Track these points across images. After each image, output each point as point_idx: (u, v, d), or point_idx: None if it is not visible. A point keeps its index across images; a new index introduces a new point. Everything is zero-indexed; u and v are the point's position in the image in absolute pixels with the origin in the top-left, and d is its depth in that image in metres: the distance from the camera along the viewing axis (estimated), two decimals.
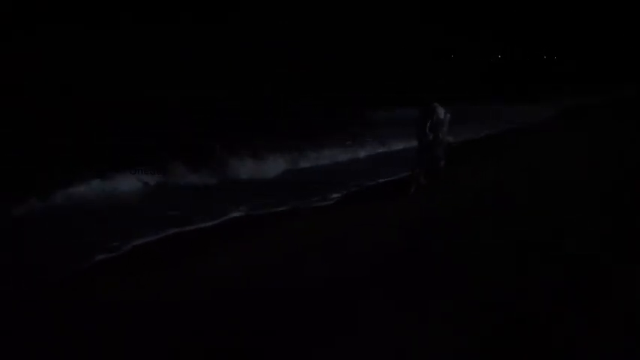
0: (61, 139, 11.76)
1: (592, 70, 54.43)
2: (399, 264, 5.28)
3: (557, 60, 78.34)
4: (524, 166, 10.03)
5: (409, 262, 5.31)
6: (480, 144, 14.08)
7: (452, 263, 5.21)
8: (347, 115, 18.82)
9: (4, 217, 6.90)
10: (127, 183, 8.88)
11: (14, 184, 7.98)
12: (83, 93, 22.27)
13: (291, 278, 5.00)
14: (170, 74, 31.72)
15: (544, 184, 8.33)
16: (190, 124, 15.30)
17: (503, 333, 3.78)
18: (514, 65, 63.67)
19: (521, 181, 8.78)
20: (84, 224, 7.09)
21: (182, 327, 4.08)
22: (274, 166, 10.65)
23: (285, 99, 22.65)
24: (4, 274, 5.26)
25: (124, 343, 3.87)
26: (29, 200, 7.39)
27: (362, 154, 12.73)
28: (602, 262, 5.05)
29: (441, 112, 8.09)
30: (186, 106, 20.11)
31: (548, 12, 78.39)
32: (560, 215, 6.62)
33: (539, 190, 8.03)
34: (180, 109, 19.34)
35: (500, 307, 4.18)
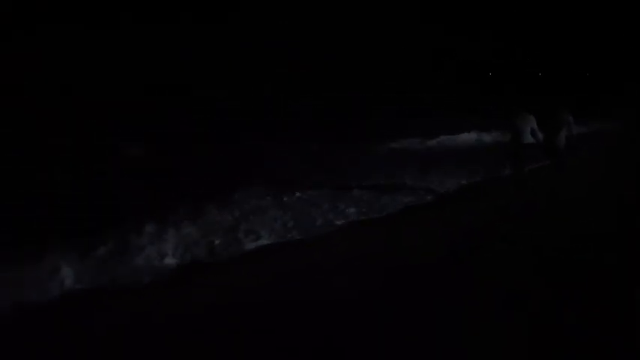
0: (61, 139, 11.77)
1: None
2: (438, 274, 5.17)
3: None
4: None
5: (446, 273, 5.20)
6: None
7: (459, 263, 5.21)
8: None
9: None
10: None
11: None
12: (83, 93, 22.28)
13: (320, 290, 4.94)
14: (170, 74, 31.71)
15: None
16: (190, 124, 15.30)
17: (503, 332, 3.79)
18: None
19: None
20: None
21: (189, 336, 4.07)
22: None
23: (286, 99, 22.61)
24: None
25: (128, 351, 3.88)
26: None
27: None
28: (603, 262, 5.05)
29: (530, 120, 8.31)
30: (186, 106, 20.11)
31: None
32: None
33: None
34: (181, 109, 19.33)
35: (500, 308, 4.18)
